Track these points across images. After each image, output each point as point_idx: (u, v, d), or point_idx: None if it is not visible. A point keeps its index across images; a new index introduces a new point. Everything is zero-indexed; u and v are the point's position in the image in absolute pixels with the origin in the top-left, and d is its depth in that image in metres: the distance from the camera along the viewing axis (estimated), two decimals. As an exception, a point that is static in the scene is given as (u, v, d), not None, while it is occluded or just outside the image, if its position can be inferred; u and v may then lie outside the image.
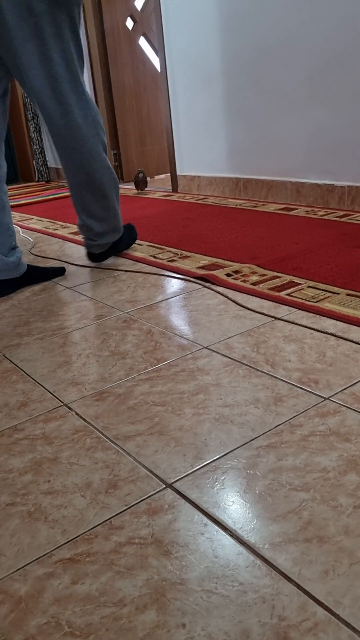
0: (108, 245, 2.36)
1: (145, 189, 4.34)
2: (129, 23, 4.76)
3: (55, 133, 2.00)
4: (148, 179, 5.13)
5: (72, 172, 2.08)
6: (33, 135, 5.52)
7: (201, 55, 3.60)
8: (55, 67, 1.87)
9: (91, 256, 2.38)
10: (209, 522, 0.88)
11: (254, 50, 3.23)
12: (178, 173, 4.12)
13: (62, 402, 1.29)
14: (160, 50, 3.88)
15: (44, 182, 5.64)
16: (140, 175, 4.21)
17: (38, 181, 5.69)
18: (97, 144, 2.04)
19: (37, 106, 1.97)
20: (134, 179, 4.24)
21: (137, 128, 4.98)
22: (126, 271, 2.24)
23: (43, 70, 1.86)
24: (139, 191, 4.27)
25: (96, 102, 4.71)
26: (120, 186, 4.82)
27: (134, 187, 4.61)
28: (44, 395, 1.33)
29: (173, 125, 4.01)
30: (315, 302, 1.72)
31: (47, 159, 5.68)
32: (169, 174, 4.86)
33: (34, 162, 5.65)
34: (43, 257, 2.59)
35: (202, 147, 3.84)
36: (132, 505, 0.94)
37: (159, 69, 4.89)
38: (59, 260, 2.51)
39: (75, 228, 3.18)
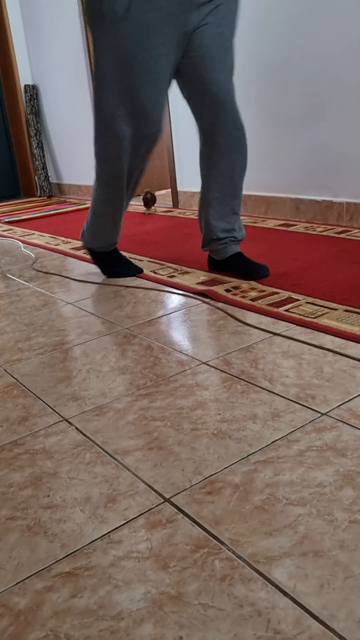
0: None
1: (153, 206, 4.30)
2: (131, 41, 4.81)
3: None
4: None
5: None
6: (35, 151, 5.56)
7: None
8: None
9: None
10: (207, 536, 0.89)
11: (252, 70, 3.27)
12: (178, 189, 4.14)
13: (63, 417, 1.30)
14: (161, 68, 3.92)
15: (45, 198, 5.68)
16: (149, 195, 4.18)
17: (40, 196, 5.73)
18: None
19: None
20: (143, 199, 4.20)
21: (138, 144, 5.01)
22: (126, 287, 2.25)
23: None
24: (148, 210, 4.21)
25: (98, 118, 4.75)
26: (122, 202, 4.84)
27: (134, 203, 4.63)
28: (44, 410, 1.34)
29: (174, 141, 4.04)
30: (314, 318, 1.74)
31: (49, 174, 5.72)
32: (170, 190, 4.90)
33: (35, 177, 5.69)
34: (44, 272, 2.61)
35: (203, 164, 3.87)
36: (131, 520, 0.95)
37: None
38: (60, 275, 2.52)
39: (77, 243, 3.20)
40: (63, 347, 1.72)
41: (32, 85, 5.44)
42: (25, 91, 5.43)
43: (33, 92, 5.44)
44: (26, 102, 5.46)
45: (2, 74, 5.55)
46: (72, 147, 5.28)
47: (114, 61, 1.93)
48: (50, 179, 5.76)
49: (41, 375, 1.53)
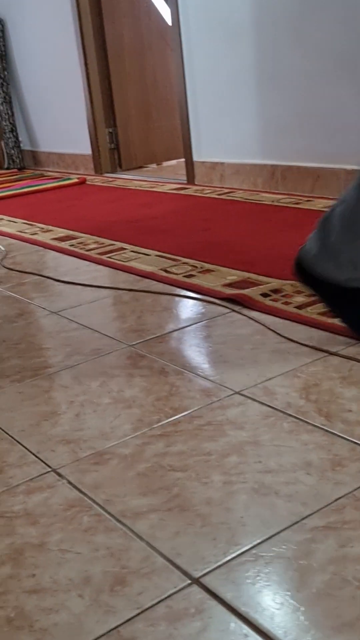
0: None
1: (150, 179, 4.31)
2: None
3: None
4: (154, 165, 5.18)
5: None
6: (1, 107, 5.59)
7: (226, 4, 3.64)
8: None
9: None
10: (250, 632, 0.88)
11: (295, -2, 3.27)
12: (195, 159, 4.15)
13: (50, 467, 1.30)
14: (170, -3, 3.93)
15: (15, 170, 5.70)
16: None
17: (8, 168, 5.75)
18: None
19: None
20: None
21: (139, 99, 5.03)
22: (129, 290, 2.25)
23: None
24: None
25: (85, 63, 4.77)
26: (120, 176, 4.86)
27: (134, 177, 4.65)
28: (24, 458, 1.34)
29: (188, 95, 4.05)
30: (383, 331, 1.73)
31: (20, 139, 5.74)
32: (183, 160, 4.89)
33: (2, 143, 5.72)
34: (18, 270, 2.61)
35: (227, 125, 3.87)
36: (147, 609, 0.94)
37: (168, 22, 4.94)
38: (40, 275, 2.53)
39: (61, 233, 3.20)
40: (47, 371, 1.71)
41: (-2, 22, 5.48)
42: (-11, 29, 5.47)
43: (-1, 30, 5.48)
44: (-10, 44, 5.50)
45: None
46: (51, 104, 5.30)
47: None
48: (21, 145, 5.79)
49: (19, 411, 1.53)
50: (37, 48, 5.22)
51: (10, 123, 5.63)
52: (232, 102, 3.78)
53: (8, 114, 5.61)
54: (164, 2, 4.94)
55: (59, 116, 5.26)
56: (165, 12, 4.96)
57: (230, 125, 3.85)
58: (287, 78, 3.42)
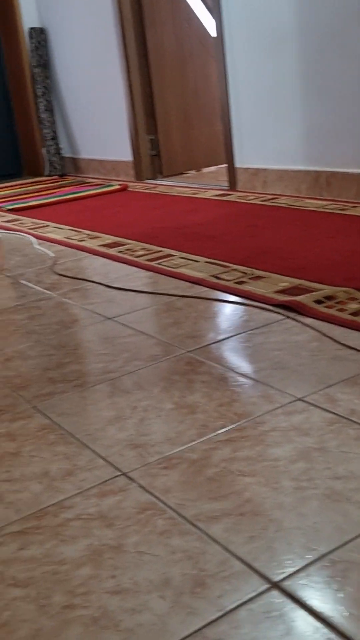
0: None
1: (192, 185, 4.35)
2: (171, -30, 4.87)
3: None
4: (194, 172, 5.19)
5: None
6: (43, 115, 5.64)
7: (270, 10, 3.65)
8: None
9: None
10: (335, 638, 0.88)
11: (339, 4, 3.27)
12: (237, 165, 4.16)
13: (120, 471, 1.31)
14: (214, 4, 3.95)
15: (57, 177, 5.75)
16: None
17: (49, 175, 5.80)
18: None
19: None
20: None
21: (181, 106, 5.05)
22: (182, 296, 2.27)
23: None
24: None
25: (127, 70, 4.80)
26: (162, 182, 4.88)
27: (176, 184, 4.67)
28: (94, 461, 1.35)
29: (231, 101, 4.06)
30: None
31: (60, 146, 5.79)
32: (222, 166, 4.92)
33: (43, 150, 5.77)
34: (70, 277, 2.64)
35: (270, 131, 3.88)
36: (229, 612, 0.95)
37: (208, 29, 4.97)
38: (92, 281, 2.55)
39: (108, 239, 3.23)
40: (107, 376, 1.73)
41: (40, 29, 5.53)
42: (31, 37, 5.52)
43: (41, 37, 5.53)
44: (31, 52, 5.55)
45: None
46: (93, 111, 5.34)
47: None
48: (62, 152, 5.83)
49: (83, 415, 1.55)
50: (78, 56, 5.27)
51: (52, 130, 5.68)
52: (276, 109, 3.79)
53: (50, 121, 5.66)
54: (206, 10, 4.96)
55: (100, 123, 5.29)
56: (206, 19, 4.98)
57: (273, 132, 3.85)
58: (331, 85, 3.43)
